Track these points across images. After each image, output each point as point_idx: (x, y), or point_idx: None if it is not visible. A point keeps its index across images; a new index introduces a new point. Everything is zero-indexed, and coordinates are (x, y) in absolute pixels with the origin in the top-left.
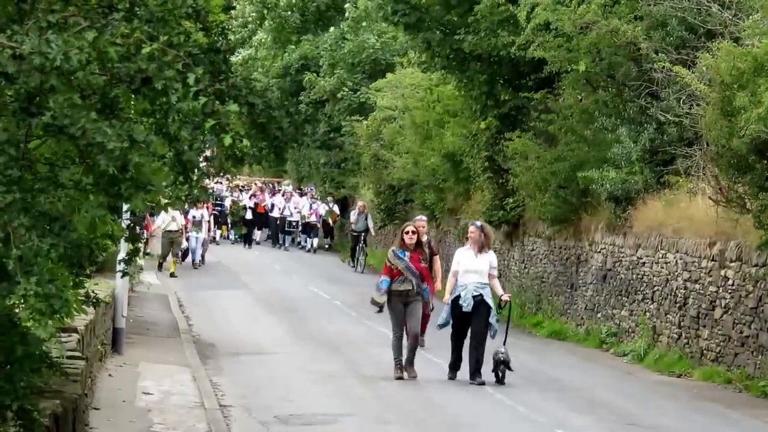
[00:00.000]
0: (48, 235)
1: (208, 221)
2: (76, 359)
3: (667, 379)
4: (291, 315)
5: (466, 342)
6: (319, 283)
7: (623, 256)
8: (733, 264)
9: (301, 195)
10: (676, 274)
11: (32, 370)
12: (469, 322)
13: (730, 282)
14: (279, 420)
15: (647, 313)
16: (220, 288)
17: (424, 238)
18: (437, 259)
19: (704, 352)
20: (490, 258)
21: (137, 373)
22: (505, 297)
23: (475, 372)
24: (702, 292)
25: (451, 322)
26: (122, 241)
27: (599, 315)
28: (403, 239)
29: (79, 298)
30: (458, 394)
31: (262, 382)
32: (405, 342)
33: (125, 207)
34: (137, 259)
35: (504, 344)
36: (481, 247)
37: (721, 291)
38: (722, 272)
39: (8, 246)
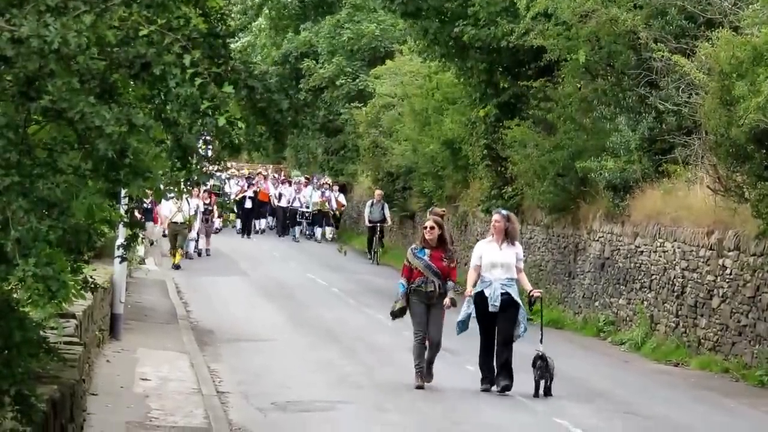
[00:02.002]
0: (46, 218)
1: (210, 210)
2: (74, 345)
3: (665, 368)
4: (289, 302)
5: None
6: (317, 271)
7: (621, 245)
8: (731, 253)
9: (307, 184)
10: (674, 263)
11: (30, 355)
12: (495, 323)
13: (728, 271)
14: (277, 407)
15: (645, 302)
16: (219, 275)
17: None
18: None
19: (702, 341)
20: (516, 250)
21: (135, 359)
22: (536, 293)
23: (504, 382)
24: (700, 281)
25: (470, 325)
26: (120, 226)
27: (597, 303)
28: (423, 236)
29: (78, 283)
30: (457, 382)
31: (260, 369)
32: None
33: (123, 193)
34: (138, 248)
35: (541, 342)
36: (506, 238)
37: (718, 280)
38: (720, 261)
39: (7, 229)
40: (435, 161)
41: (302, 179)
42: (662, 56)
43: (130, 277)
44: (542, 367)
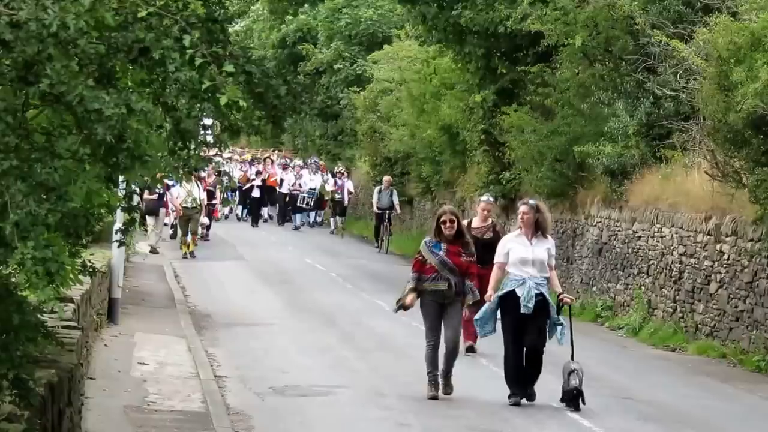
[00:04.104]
0: (44, 202)
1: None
2: (72, 329)
3: (662, 353)
4: (287, 286)
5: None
6: (314, 255)
7: (619, 230)
8: (728, 238)
9: (302, 168)
10: (672, 248)
11: (28, 339)
12: (525, 329)
13: (726, 256)
14: (274, 391)
15: (642, 287)
16: (216, 259)
17: (488, 221)
18: None
19: (699, 326)
20: (548, 245)
21: (133, 344)
22: (567, 299)
23: (529, 389)
24: (697, 266)
25: (495, 327)
26: (119, 210)
27: (594, 289)
28: (439, 229)
29: (76, 267)
30: (456, 369)
31: (258, 353)
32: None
33: (122, 177)
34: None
35: (572, 358)
36: (537, 231)
37: (716, 265)
38: (717, 247)
39: (5, 212)
40: (433, 146)
41: (300, 163)
42: (660, 41)
43: (128, 261)
44: (574, 400)
